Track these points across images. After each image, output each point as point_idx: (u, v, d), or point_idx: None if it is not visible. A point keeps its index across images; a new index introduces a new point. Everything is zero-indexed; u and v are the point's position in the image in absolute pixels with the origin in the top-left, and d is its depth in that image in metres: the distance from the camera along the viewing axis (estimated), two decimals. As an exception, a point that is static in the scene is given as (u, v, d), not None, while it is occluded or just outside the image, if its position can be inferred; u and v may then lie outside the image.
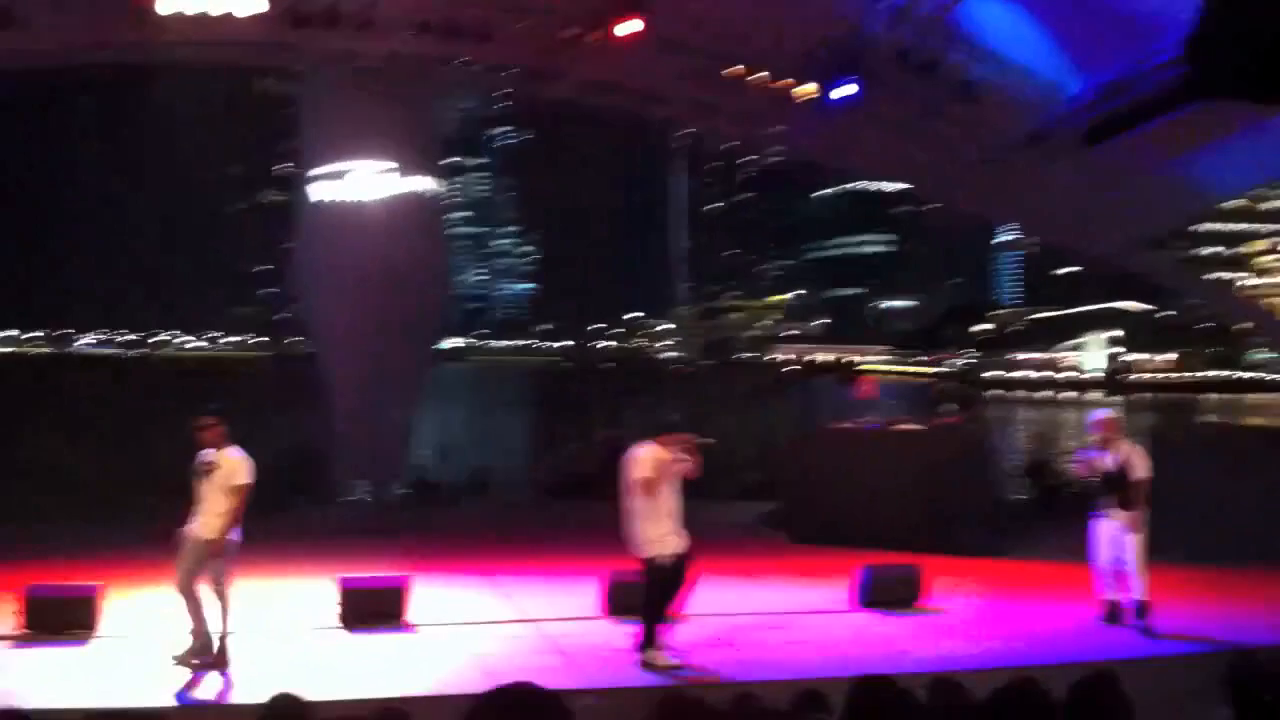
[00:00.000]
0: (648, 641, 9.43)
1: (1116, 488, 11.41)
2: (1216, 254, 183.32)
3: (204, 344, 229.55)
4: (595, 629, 10.83)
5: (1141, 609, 11.27)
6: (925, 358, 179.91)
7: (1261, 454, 13.48)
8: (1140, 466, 11.36)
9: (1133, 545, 11.26)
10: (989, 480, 16.22)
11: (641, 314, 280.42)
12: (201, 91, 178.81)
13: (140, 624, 10.18)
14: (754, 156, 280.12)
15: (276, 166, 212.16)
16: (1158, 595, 12.42)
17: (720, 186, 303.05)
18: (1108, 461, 11.51)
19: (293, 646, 9.81)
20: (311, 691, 5.03)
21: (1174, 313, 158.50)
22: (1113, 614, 11.42)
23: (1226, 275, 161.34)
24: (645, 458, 9.50)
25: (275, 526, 13.62)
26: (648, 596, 9.60)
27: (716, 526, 17.13)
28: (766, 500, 19.42)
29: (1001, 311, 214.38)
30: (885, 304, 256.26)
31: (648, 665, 9.32)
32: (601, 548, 14.22)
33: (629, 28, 14.94)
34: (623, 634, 10.41)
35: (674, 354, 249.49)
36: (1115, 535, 11.37)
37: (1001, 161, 17.71)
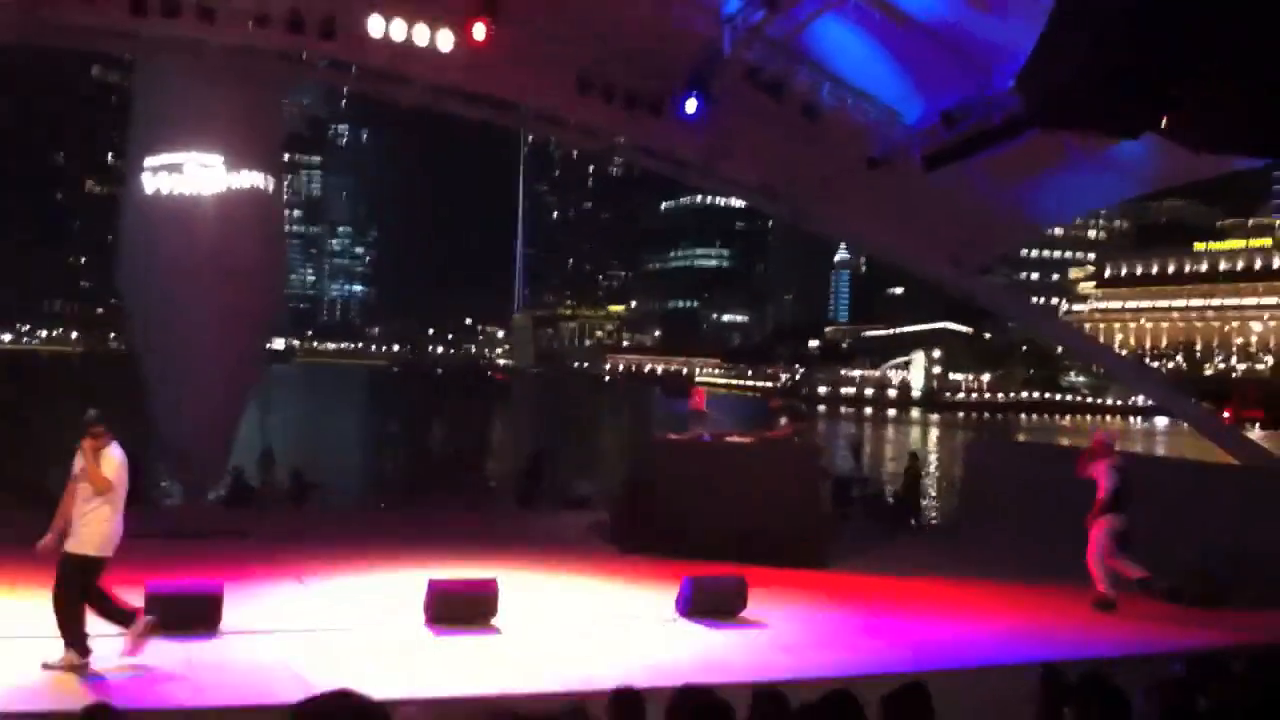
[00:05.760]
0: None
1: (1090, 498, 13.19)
2: (1038, 280, 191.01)
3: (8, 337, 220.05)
4: (415, 637, 10.63)
5: (1104, 603, 12.98)
6: (755, 371, 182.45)
7: (1068, 472, 13.99)
8: (1106, 484, 13.13)
9: (1096, 540, 13.14)
10: (815, 494, 16.46)
11: (477, 320, 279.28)
12: (22, 74, 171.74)
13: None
14: (600, 165, 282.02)
15: (105, 157, 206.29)
16: (973, 609, 12.87)
17: (564, 194, 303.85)
18: (1093, 473, 13.30)
19: (102, 653, 9.38)
20: (124, 700, 4.80)
21: (991, 335, 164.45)
22: (1106, 603, 13.07)
23: (1048, 300, 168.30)
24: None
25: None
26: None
27: (545, 536, 17.12)
28: (594, 510, 19.47)
29: (833, 328, 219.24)
30: (720, 317, 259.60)
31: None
32: (425, 555, 14.16)
33: (476, 33, 14.81)
34: (445, 643, 10.32)
35: (507, 361, 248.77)
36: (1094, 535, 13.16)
37: (845, 182, 18.07)
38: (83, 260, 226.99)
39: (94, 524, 9.04)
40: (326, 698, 2.45)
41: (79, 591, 8.98)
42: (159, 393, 18.85)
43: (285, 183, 21.81)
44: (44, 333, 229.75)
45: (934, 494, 42.25)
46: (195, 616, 10.31)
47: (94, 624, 9.09)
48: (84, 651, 8.88)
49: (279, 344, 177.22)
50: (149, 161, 18.35)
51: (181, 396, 18.40)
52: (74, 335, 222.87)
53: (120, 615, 9.18)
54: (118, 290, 20.48)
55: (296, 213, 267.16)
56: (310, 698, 2.44)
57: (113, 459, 9.13)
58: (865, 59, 15.80)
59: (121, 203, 20.50)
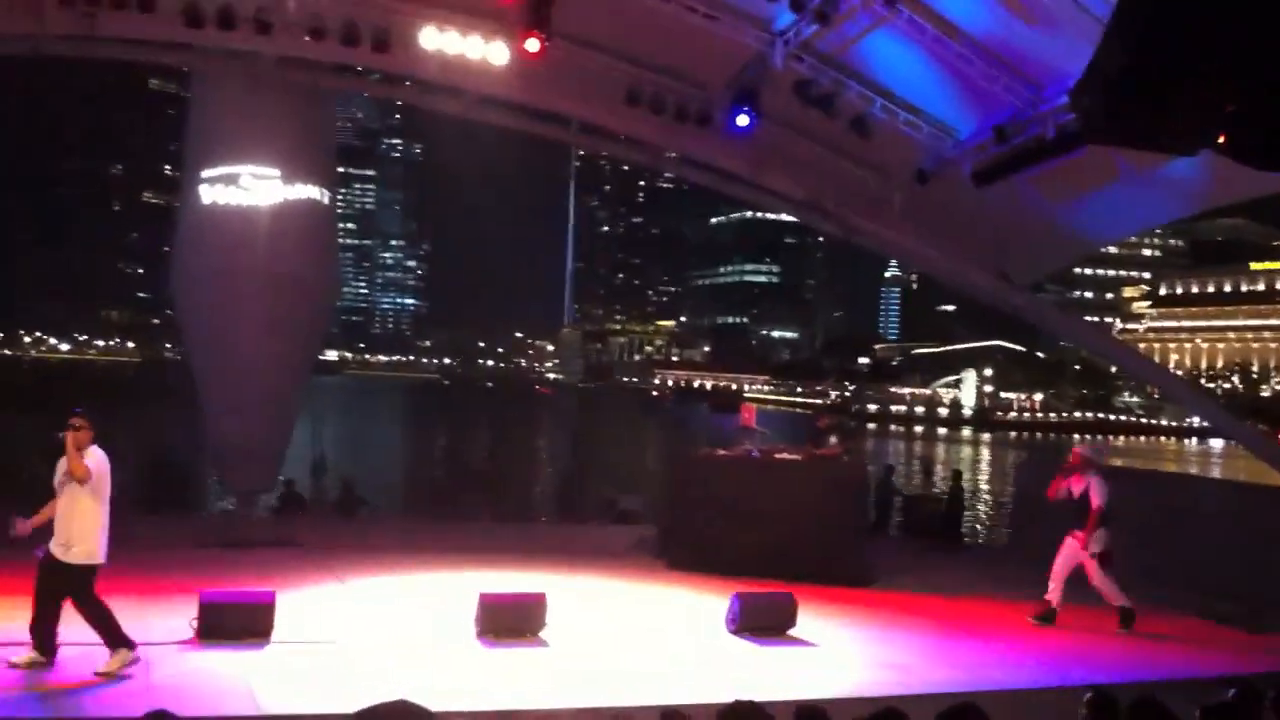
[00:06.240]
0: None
1: (1079, 512, 13.14)
2: (1092, 298, 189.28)
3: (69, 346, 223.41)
4: (466, 649, 10.68)
5: (1126, 617, 12.95)
6: (804, 388, 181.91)
7: (1126, 495, 13.84)
8: (1098, 496, 13.02)
9: (1089, 563, 13.08)
10: (864, 512, 16.40)
11: (527, 334, 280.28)
12: (84, 87, 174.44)
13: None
14: (649, 180, 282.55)
15: (162, 168, 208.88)
16: (1022, 629, 12.77)
17: (613, 209, 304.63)
18: (1075, 488, 13.22)
19: (156, 661, 9.49)
20: (179, 707, 4.84)
21: (1043, 354, 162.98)
22: (1048, 615, 13.15)
23: (1102, 318, 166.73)
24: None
25: (134, 537, 13.22)
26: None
27: (592, 550, 17.14)
28: (641, 524, 19.47)
29: (883, 345, 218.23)
30: (769, 332, 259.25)
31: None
32: (473, 567, 14.23)
33: (529, 46, 14.90)
34: (495, 655, 10.38)
35: (556, 375, 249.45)
36: (1072, 551, 13.22)
37: (888, 197, 18.00)
38: (139, 271, 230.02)
39: (96, 533, 9.09)
40: (386, 707, 2.48)
41: (91, 595, 9.07)
42: (212, 402, 19.05)
43: (338, 195, 21.99)
44: (101, 342, 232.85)
45: (984, 514, 41.95)
46: (248, 626, 10.40)
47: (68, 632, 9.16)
48: (131, 645, 9.05)
49: (330, 356, 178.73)
50: (205, 173, 18.57)
51: (233, 405, 18.59)
52: (130, 345, 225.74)
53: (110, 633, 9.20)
54: (172, 300, 20.72)
55: (349, 225, 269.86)
56: (370, 707, 2.47)
57: (94, 454, 9.17)
58: (916, 74, 15.73)
59: (178, 213, 20.76)
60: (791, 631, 11.90)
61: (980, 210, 17.05)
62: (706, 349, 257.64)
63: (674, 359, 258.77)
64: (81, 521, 9.03)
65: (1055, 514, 16.72)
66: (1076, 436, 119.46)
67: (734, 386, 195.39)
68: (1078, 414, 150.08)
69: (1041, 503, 15.09)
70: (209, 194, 18.46)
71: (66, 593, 9.01)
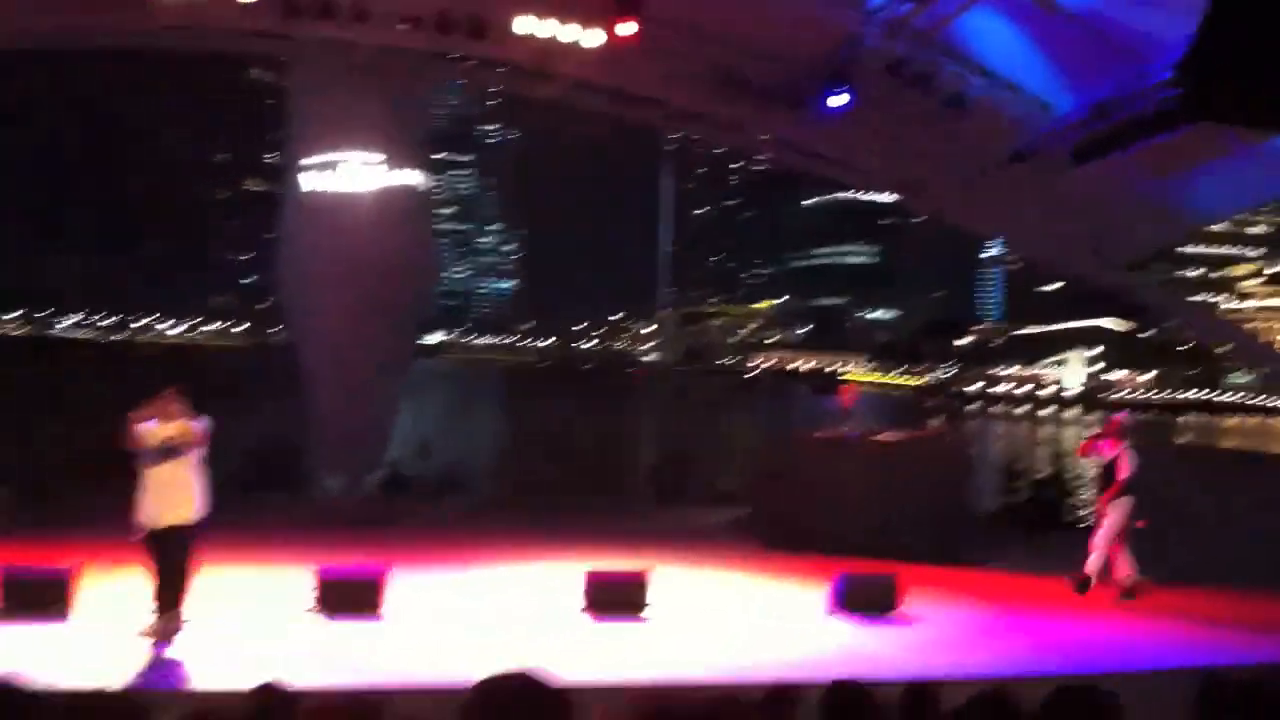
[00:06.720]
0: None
1: (1106, 479, 13.43)
2: (1200, 276, 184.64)
3: (183, 329, 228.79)
4: (573, 625, 10.83)
5: (1083, 584, 13.31)
6: (905, 369, 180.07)
7: (1237, 475, 13.63)
8: (1126, 467, 13.25)
9: (1105, 525, 13.31)
10: (967, 492, 16.27)
11: (624, 317, 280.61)
12: (187, 77, 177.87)
13: (116, 606, 10.10)
14: (743, 163, 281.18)
15: (265, 156, 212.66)
16: (1129, 611, 12.61)
17: (708, 190, 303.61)
18: (1107, 453, 13.50)
19: (270, 635, 9.77)
20: (293, 679, 5.00)
21: (1154, 333, 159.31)
22: (1083, 584, 13.37)
23: (1209, 297, 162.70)
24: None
25: (245, 516, 13.58)
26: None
27: (692, 530, 17.23)
28: (737, 506, 19.47)
29: (983, 326, 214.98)
30: (867, 314, 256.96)
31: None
32: (580, 545, 14.39)
33: (623, 30, 14.95)
34: (602, 630, 10.50)
35: (654, 357, 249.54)
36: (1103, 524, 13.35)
37: (989, 176, 17.76)
38: (245, 256, 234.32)
39: (195, 492, 9.36)
40: (509, 677, 2.54)
41: (186, 553, 9.37)
42: (316, 385, 19.41)
43: (436, 181, 22.23)
44: (208, 326, 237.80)
45: (1088, 495, 41.27)
46: (359, 600, 10.66)
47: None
48: (179, 615, 9.40)
49: (432, 339, 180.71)
50: (305, 161, 18.89)
51: (337, 389, 18.92)
52: (236, 329, 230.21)
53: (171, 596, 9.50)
54: (276, 285, 21.12)
55: (447, 210, 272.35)
56: (490, 677, 2.54)
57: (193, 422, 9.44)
58: (1013, 50, 15.49)
59: (280, 200, 21.13)
60: (894, 612, 11.87)
61: (1080, 188, 16.78)
62: (803, 331, 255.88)
63: (770, 341, 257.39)
64: (184, 489, 9.34)
65: (1160, 495, 16.45)
66: (1184, 417, 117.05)
67: (831, 369, 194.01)
68: (1185, 394, 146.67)
69: (1148, 485, 14.88)
70: (309, 181, 18.76)
71: (177, 553, 9.31)
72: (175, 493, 9.34)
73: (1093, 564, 13.21)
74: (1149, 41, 13.99)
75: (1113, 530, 13.20)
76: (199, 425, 9.39)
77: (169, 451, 9.36)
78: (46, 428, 28.14)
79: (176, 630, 9.27)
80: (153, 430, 9.42)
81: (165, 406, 9.34)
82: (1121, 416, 14.23)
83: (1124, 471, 13.21)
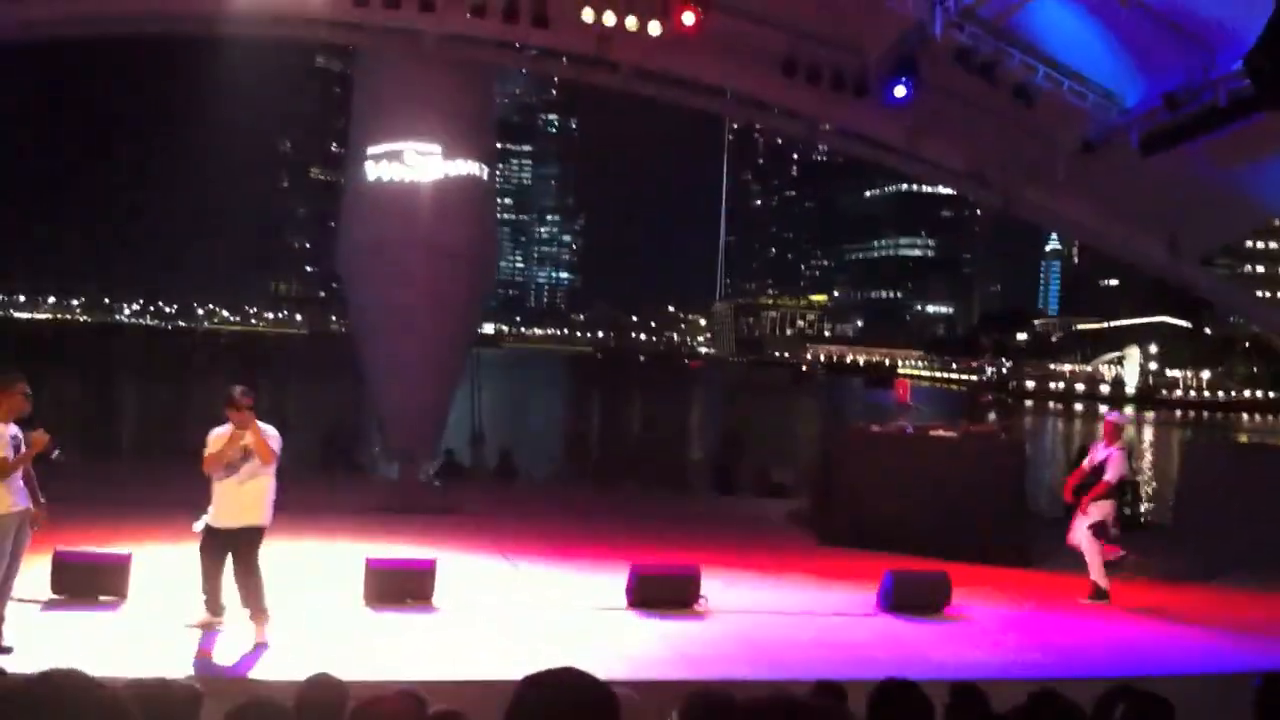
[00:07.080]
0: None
1: (1094, 477, 13.02)
2: (1263, 272, 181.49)
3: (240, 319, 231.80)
4: (619, 620, 10.80)
5: (1098, 594, 12.82)
6: (960, 364, 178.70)
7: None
8: (1114, 469, 12.85)
9: (1083, 525, 12.90)
10: (1021, 491, 16.08)
11: (680, 308, 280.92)
12: (250, 66, 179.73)
13: (171, 591, 10.18)
14: (801, 154, 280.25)
15: (329, 144, 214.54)
16: (1188, 613, 12.41)
17: (766, 182, 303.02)
18: (1097, 455, 13.13)
19: (322, 625, 9.82)
20: (344, 670, 5.01)
21: (1211, 330, 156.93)
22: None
23: (1274, 294, 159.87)
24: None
25: (303, 502, 13.68)
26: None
27: (745, 523, 17.17)
28: (792, 498, 19.42)
29: (1042, 320, 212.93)
30: (924, 307, 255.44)
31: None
32: (626, 537, 14.39)
33: (685, 19, 14.92)
34: (647, 625, 10.48)
35: (708, 349, 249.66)
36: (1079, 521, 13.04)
37: (1052, 167, 17.55)
38: (307, 245, 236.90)
39: (268, 498, 9.44)
40: (555, 673, 2.53)
41: (255, 558, 9.43)
42: (376, 372, 19.55)
43: (497, 170, 22.31)
44: (270, 314, 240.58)
45: (1147, 495, 40.77)
46: (409, 590, 10.71)
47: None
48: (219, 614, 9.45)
49: (488, 329, 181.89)
50: (370, 149, 19.00)
51: (396, 376, 19.04)
52: (298, 317, 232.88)
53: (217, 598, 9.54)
54: (338, 273, 21.29)
55: (507, 200, 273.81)
56: (538, 673, 2.52)
57: (270, 431, 9.45)
58: (1082, 39, 15.27)
59: (343, 189, 21.27)
60: (945, 610, 11.77)
61: (1148, 180, 16.53)
62: (859, 324, 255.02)
63: (826, 334, 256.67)
64: (263, 489, 9.40)
65: (1221, 497, 16.18)
66: (1245, 416, 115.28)
67: (887, 362, 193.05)
68: (1248, 393, 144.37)
69: (1209, 485, 14.67)
70: (373, 170, 18.87)
71: (249, 555, 9.36)
72: (246, 496, 9.37)
73: (1095, 572, 12.93)
74: (1217, 31, 13.75)
75: (1093, 531, 12.89)
76: (274, 441, 9.40)
77: (244, 460, 9.40)
78: (109, 409, 28.63)
79: (267, 624, 9.29)
80: (226, 440, 9.39)
81: (238, 414, 9.35)
82: (1114, 417, 13.90)
83: (1111, 472, 12.87)
